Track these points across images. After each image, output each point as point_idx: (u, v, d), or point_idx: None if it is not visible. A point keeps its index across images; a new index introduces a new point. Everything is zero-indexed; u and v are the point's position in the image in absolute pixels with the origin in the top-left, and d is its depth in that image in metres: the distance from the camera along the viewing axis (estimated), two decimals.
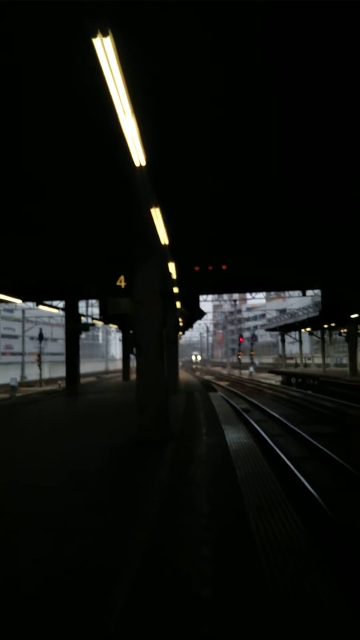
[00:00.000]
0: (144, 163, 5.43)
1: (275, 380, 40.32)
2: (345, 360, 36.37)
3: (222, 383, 40.50)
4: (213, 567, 3.51)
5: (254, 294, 31.45)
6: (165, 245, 9.61)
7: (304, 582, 3.25)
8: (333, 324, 34.05)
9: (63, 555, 3.79)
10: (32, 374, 40.64)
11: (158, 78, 4.97)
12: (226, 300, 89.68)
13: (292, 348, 52.97)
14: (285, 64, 4.98)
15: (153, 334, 9.22)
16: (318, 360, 46.13)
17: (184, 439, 9.13)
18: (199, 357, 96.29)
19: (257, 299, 48.82)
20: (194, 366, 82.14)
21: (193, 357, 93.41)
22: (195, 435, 9.66)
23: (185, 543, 3.98)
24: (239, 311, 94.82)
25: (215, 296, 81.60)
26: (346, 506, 7.21)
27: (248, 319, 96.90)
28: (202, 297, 27.72)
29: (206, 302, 52.00)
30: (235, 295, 57.02)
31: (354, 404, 19.19)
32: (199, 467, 6.79)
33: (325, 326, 36.09)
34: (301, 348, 45.63)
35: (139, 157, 5.29)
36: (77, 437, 10.08)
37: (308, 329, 39.64)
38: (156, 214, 7.75)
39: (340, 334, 34.97)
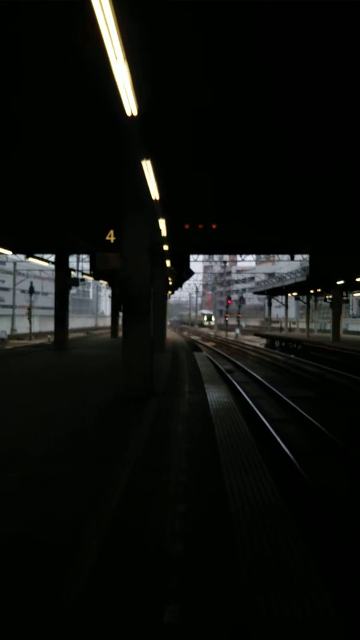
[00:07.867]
0: (135, 113, 5.24)
1: (260, 343, 40.64)
2: (328, 327, 36.69)
3: (208, 344, 40.78)
4: (182, 524, 3.60)
5: (243, 256, 31.16)
6: (156, 200, 9.43)
7: (270, 535, 3.36)
8: (319, 290, 34.11)
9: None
10: (22, 327, 40.43)
11: (151, 24, 4.78)
12: (216, 262, 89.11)
13: (278, 312, 53.18)
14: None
15: (140, 292, 9.16)
16: (302, 325, 46.50)
17: (167, 396, 9.24)
18: (212, 319, 75.89)
19: (247, 261, 48.74)
20: (209, 329, 69.48)
21: (205, 319, 76.30)
22: (179, 393, 9.78)
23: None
24: (229, 273, 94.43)
25: (206, 257, 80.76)
26: (319, 468, 7.40)
27: (237, 282, 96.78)
28: (192, 257, 27.50)
29: (197, 263, 51.58)
30: (226, 257, 56.74)
31: (334, 369, 19.49)
32: (179, 423, 6.91)
33: (312, 292, 36.14)
34: (287, 312, 45.88)
35: (130, 105, 5.10)
36: (63, 392, 10.17)
37: (295, 294, 39.73)
38: (147, 166, 7.55)
39: (325, 299, 35.08)
